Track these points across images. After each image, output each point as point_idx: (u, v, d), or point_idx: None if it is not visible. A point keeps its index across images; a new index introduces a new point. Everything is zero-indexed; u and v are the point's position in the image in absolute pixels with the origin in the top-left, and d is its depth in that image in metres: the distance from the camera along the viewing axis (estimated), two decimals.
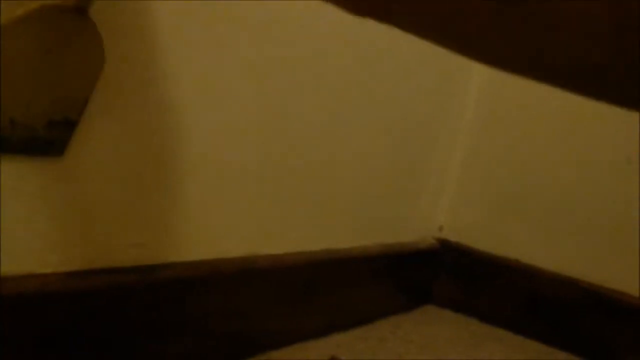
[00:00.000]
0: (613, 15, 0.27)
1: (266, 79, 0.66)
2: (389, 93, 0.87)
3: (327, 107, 0.76)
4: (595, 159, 0.97)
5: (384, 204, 0.95)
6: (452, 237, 1.09)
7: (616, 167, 0.95)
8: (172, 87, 0.56)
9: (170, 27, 0.54)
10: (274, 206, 0.73)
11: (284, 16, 0.65)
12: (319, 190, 0.79)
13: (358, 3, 0.31)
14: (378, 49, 0.81)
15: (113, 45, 0.47)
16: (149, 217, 0.57)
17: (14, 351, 0.47)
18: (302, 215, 0.78)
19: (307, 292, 0.78)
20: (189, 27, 0.55)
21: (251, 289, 0.68)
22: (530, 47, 0.29)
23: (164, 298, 0.58)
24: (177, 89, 0.57)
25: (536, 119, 1.02)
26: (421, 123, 0.97)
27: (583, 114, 0.96)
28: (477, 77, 1.06)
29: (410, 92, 0.92)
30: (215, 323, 0.64)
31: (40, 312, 0.49)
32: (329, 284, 0.82)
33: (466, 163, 1.09)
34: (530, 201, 1.03)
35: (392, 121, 0.90)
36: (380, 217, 0.94)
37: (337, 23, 0.71)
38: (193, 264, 0.61)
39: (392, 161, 0.93)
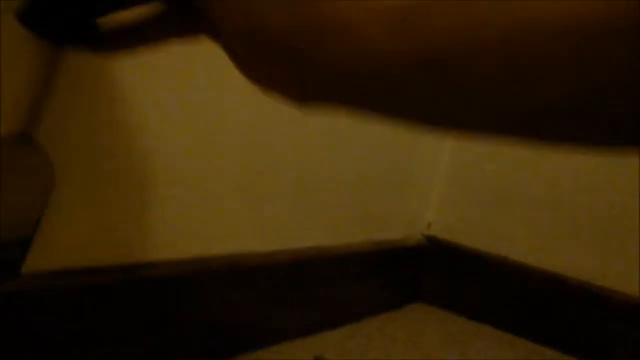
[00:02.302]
0: None
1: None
2: None
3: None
4: (584, 155, 0.97)
5: (372, 201, 0.94)
6: (440, 234, 1.08)
7: (605, 163, 0.95)
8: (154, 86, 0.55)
9: None
10: (260, 203, 0.72)
11: None
12: (306, 187, 0.78)
13: (294, 92, 0.34)
14: None
15: None
16: (131, 215, 0.56)
17: None
18: (289, 213, 0.77)
19: (294, 290, 0.77)
20: None
21: (237, 287, 0.67)
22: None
23: (147, 297, 0.57)
24: (158, 92, 0.56)
25: None
26: None
27: None
28: None
29: None
30: (199, 322, 0.63)
31: (19, 312, 0.48)
32: (317, 282, 0.81)
33: (454, 160, 1.08)
34: (519, 198, 1.02)
35: None
36: (368, 214, 0.94)
37: None
38: (176, 262, 0.60)
39: (380, 158, 0.92)
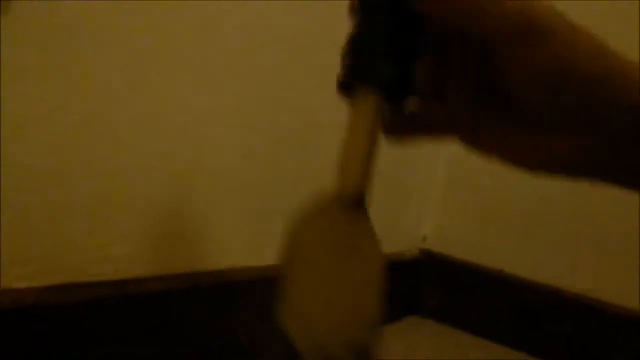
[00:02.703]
0: None
1: (253, 97, 0.66)
2: None
3: (311, 117, 0.76)
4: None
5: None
6: (436, 247, 1.08)
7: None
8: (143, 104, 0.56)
9: None
10: (256, 218, 0.72)
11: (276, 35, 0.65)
12: (300, 202, 0.79)
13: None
14: None
15: None
16: (126, 230, 0.57)
17: None
18: (283, 228, 0.77)
19: None
20: None
21: (232, 303, 0.68)
22: None
23: (141, 312, 0.57)
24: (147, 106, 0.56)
25: None
26: None
27: None
28: None
29: None
30: (195, 337, 0.63)
31: (15, 327, 0.48)
32: None
33: (450, 173, 1.09)
34: (514, 211, 1.03)
35: None
36: None
37: (320, 43, 0.71)
38: (171, 277, 0.61)
39: (375, 171, 0.92)
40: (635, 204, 0.89)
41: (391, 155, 0.94)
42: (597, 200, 0.95)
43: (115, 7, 0.51)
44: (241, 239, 0.71)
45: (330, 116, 0.78)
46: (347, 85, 0.35)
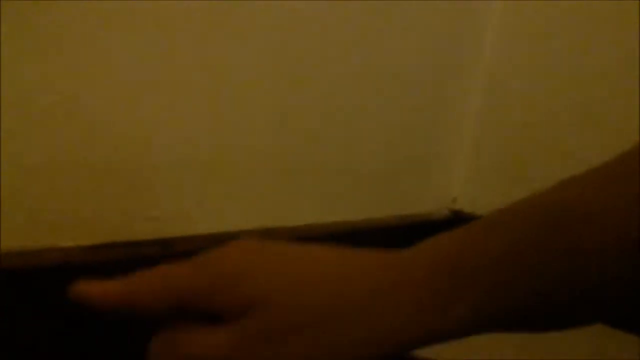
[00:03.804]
0: None
1: (278, 52, 0.66)
2: (399, 64, 0.86)
3: (338, 79, 0.76)
4: (614, 124, 0.96)
5: (397, 175, 0.95)
6: (466, 208, 1.09)
7: (631, 127, 0.94)
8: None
9: None
10: (288, 179, 0.73)
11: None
12: (332, 163, 0.80)
13: None
14: (387, 12, 0.81)
15: None
16: (165, 190, 0.58)
17: (38, 323, 0.48)
18: (316, 188, 0.78)
19: None
20: None
21: None
22: None
23: None
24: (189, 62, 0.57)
25: (551, 84, 1.01)
26: (433, 93, 0.97)
27: (596, 80, 0.96)
28: (488, 43, 1.05)
29: (422, 62, 0.91)
30: None
31: (63, 284, 0.50)
32: None
33: (480, 132, 1.08)
34: (543, 171, 1.02)
35: (404, 92, 0.89)
36: (393, 189, 0.95)
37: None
38: (210, 237, 0.62)
39: (404, 132, 0.93)
40: None
41: (420, 118, 0.95)
42: None
43: None
44: (277, 200, 0.72)
45: None
46: None
